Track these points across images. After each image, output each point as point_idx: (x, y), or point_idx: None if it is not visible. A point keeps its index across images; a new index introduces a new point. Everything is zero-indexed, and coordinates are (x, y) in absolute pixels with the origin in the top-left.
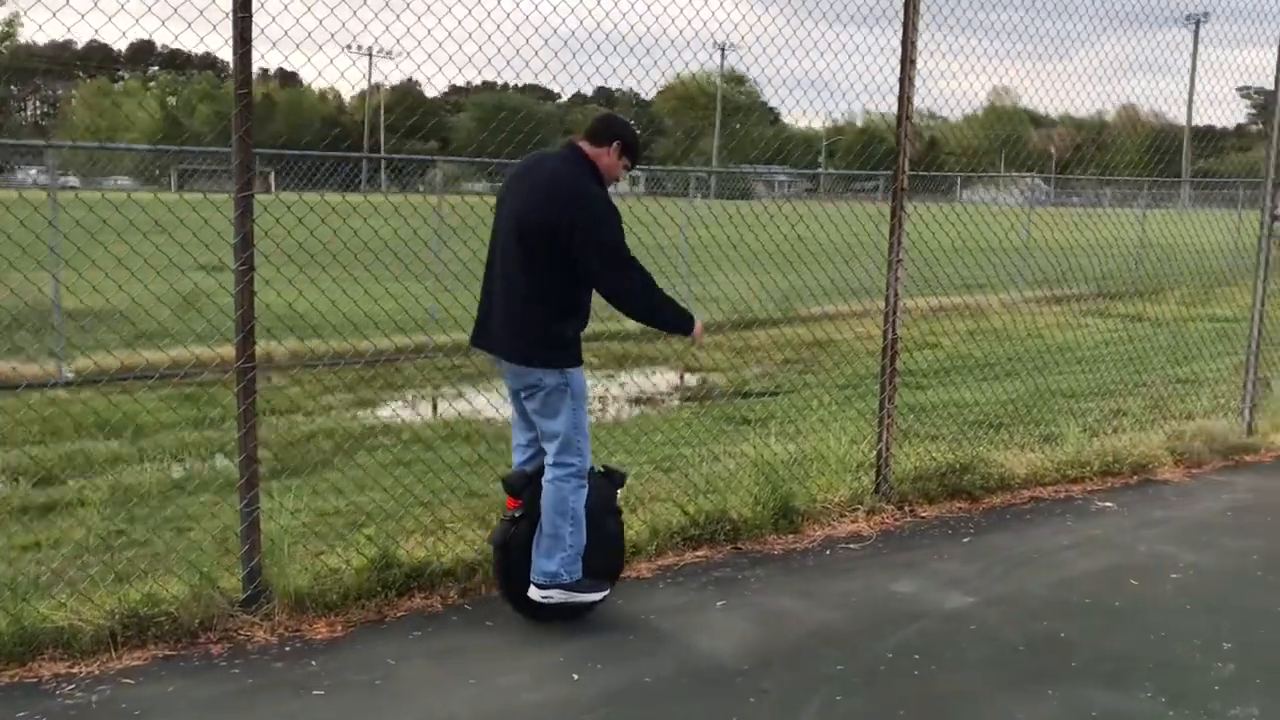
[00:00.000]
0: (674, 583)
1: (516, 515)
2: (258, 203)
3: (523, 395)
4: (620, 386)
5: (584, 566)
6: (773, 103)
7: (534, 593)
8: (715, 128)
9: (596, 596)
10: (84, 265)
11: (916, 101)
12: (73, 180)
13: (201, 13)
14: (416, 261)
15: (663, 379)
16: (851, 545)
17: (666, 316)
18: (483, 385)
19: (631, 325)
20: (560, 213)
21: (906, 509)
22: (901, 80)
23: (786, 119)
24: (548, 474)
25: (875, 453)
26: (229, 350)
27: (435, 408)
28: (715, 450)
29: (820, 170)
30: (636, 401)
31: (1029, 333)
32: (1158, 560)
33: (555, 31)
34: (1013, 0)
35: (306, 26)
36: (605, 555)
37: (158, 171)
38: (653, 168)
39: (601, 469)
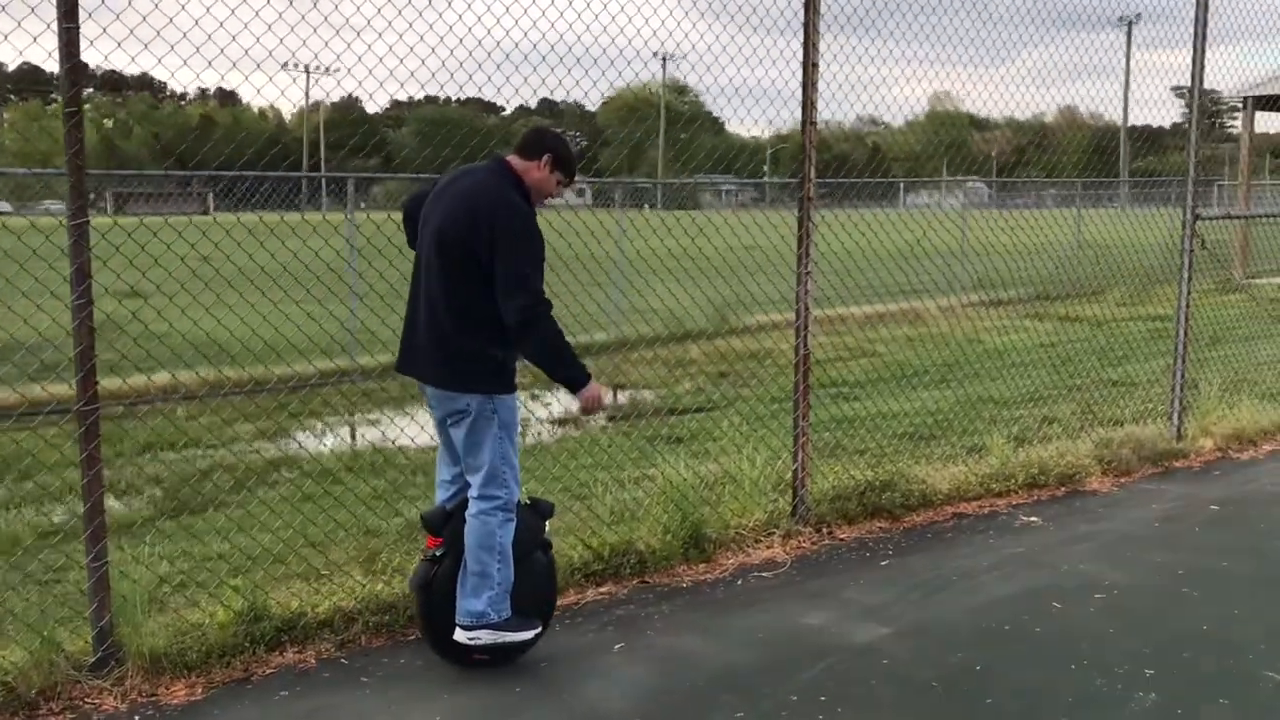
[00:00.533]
0: (572, 624)
1: (437, 554)
2: (196, 226)
3: (448, 423)
4: (545, 406)
5: (512, 604)
6: (718, 112)
7: (460, 635)
8: (660, 137)
9: (528, 635)
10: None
11: (858, 109)
12: (5, 205)
13: (20, 23)
14: (338, 282)
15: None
16: (764, 574)
17: (566, 361)
18: (400, 410)
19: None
20: (476, 227)
21: (825, 531)
22: (805, 85)
23: (734, 128)
24: (472, 508)
25: (791, 472)
26: (138, 380)
27: (352, 435)
28: (634, 474)
29: (751, 180)
30: (559, 422)
31: (967, 338)
32: (1081, 580)
33: (498, 44)
34: (950, 5)
35: (243, 44)
36: (535, 591)
37: (93, 195)
38: (597, 180)
39: (527, 500)
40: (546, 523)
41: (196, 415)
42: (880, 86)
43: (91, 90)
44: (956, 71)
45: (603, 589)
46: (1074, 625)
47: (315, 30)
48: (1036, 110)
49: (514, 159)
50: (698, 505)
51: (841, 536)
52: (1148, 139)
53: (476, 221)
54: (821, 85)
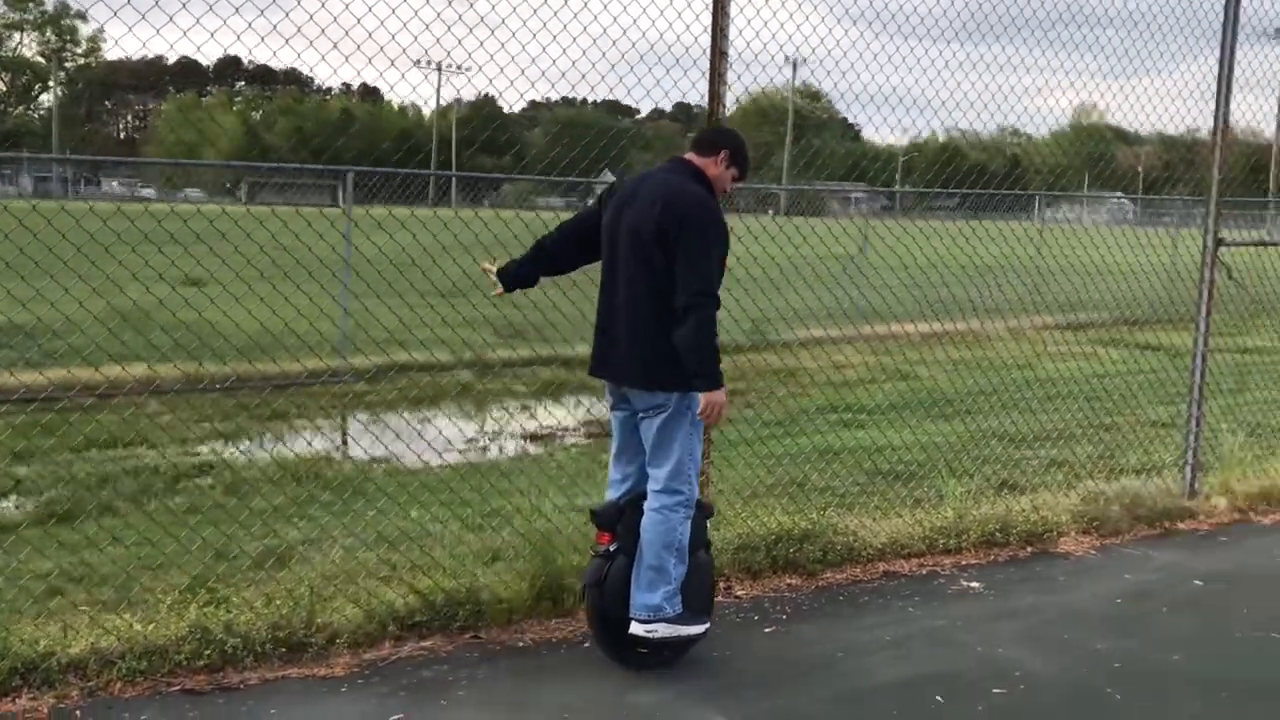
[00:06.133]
0: (365, 685)
1: (610, 550)
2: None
3: (640, 416)
4: (530, 418)
5: (681, 600)
6: (852, 119)
7: (637, 628)
8: (786, 143)
9: (700, 629)
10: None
11: (999, 119)
12: (149, 192)
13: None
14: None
15: (574, 412)
16: None
17: (709, 358)
18: (374, 416)
19: (565, 351)
20: (669, 215)
21: (721, 586)
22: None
23: (871, 135)
24: (654, 501)
25: None
26: (113, 370)
27: (345, 441)
28: (553, 502)
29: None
30: (531, 437)
31: (1019, 363)
32: (990, 668)
33: (634, 46)
34: (1105, 16)
35: (379, 40)
36: (699, 589)
37: (228, 185)
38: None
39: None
40: (708, 522)
41: (161, 414)
42: (1022, 96)
43: (243, 83)
44: (1103, 83)
45: (426, 643)
46: None
47: (449, 28)
48: (1190, 125)
49: (692, 156)
50: (563, 548)
51: (738, 594)
52: None
53: (668, 217)
54: (960, 93)
